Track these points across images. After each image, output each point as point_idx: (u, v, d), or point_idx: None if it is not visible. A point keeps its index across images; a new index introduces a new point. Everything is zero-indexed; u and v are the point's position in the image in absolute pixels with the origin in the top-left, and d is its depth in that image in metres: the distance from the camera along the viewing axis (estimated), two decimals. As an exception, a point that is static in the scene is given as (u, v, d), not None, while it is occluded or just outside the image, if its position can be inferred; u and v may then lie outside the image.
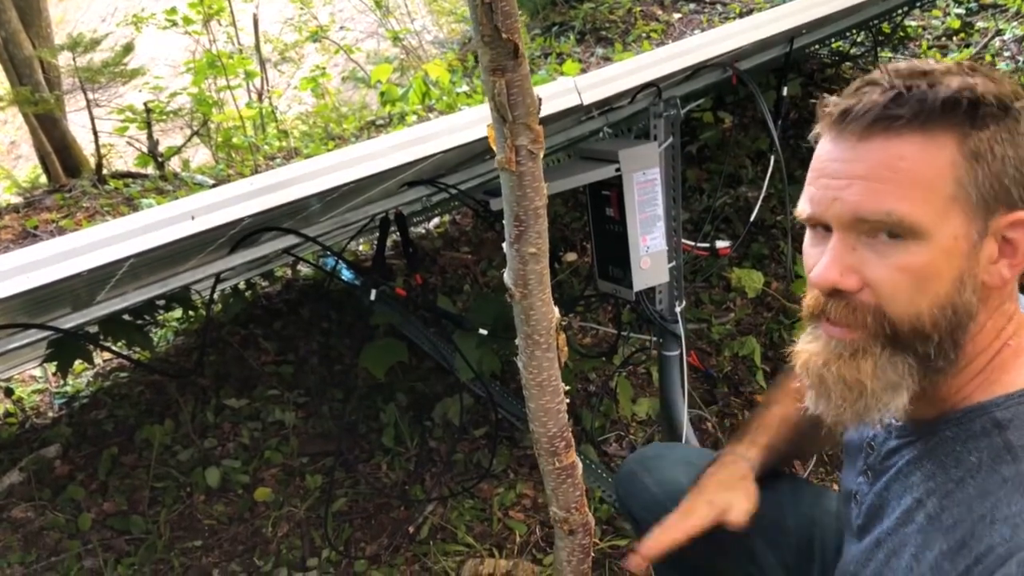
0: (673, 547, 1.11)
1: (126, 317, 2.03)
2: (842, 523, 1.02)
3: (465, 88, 4.12)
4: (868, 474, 0.90)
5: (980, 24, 3.92)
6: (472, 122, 1.33)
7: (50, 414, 2.83)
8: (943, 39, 3.91)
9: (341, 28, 7.13)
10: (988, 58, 3.69)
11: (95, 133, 4.36)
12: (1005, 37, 3.80)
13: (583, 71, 3.97)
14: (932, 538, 0.74)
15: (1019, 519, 0.68)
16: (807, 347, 0.81)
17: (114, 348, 2.16)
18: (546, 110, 1.35)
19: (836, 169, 0.75)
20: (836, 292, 0.76)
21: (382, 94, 4.21)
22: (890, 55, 3.71)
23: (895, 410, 0.77)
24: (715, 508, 1.13)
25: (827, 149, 0.77)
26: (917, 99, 0.71)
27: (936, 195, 0.71)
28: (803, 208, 0.80)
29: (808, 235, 0.82)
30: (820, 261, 0.77)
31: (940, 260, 0.72)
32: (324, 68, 5.36)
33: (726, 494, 1.15)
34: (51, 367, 2.77)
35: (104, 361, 3.08)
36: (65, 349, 1.85)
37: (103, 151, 4.40)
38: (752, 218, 2.21)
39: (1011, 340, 0.77)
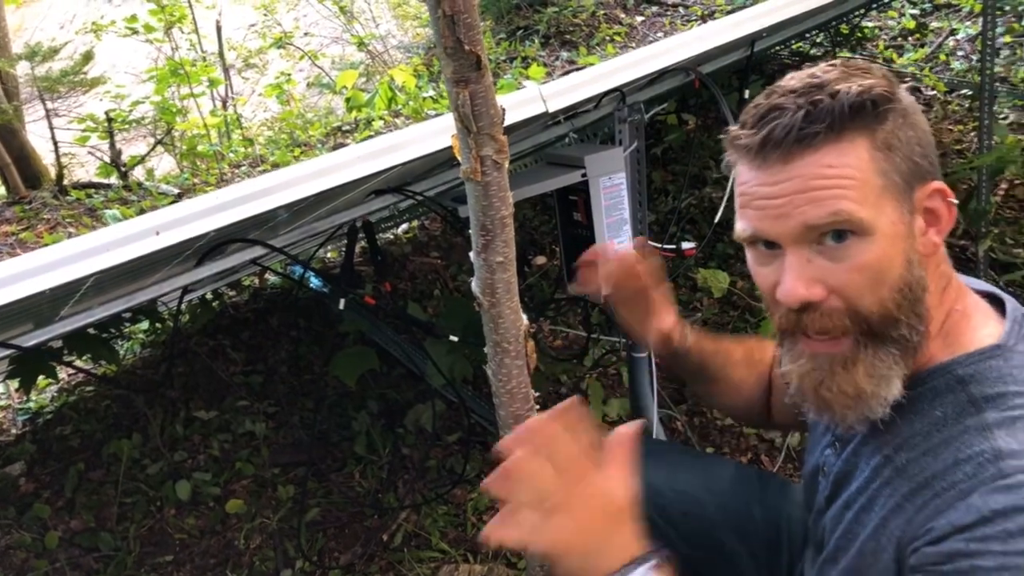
0: None
1: (91, 331, 2.00)
2: (807, 507, 1.03)
3: (431, 93, 4.11)
4: (836, 445, 0.92)
5: (935, 24, 4.01)
6: (439, 131, 1.33)
7: (13, 431, 2.77)
8: (899, 39, 3.99)
9: (306, 34, 7.08)
10: (943, 57, 3.77)
11: (55, 143, 4.28)
12: (959, 36, 3.90)
13: (548, 75, 3.98)
14: (898, 486, 0.78)
15: (981, 458, 0.72)
16: (796, 368, 0.84)
17: (78, 364, 2.13)
18: (512, 118, 1.35)
19: (770, 192, 0.79)
20: (806, 305, 0.79)
21: (348, 100, 4.19)
22: (848, 55, 3.78)
23: (893, 398, 0.80)
24: None
25: (753, 176, 0.80)
26: (827, 112, 0.76)
27: (868, 190, 0.76)
28: (744, 228, 0.82)
29: (751, 255, 0.85)
30: (783, 280, 0.79)
31: (888, 248, 0.76)
32: (289, 74, 5.32)
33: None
34: (13, 383, 2.72)
35: (69, 375, 3.03)
36: (28, 365, 1.82)
37: (64, 161, 4.32)
38: (717, 219, 2.23)
39: (957, 305, 0.83)
